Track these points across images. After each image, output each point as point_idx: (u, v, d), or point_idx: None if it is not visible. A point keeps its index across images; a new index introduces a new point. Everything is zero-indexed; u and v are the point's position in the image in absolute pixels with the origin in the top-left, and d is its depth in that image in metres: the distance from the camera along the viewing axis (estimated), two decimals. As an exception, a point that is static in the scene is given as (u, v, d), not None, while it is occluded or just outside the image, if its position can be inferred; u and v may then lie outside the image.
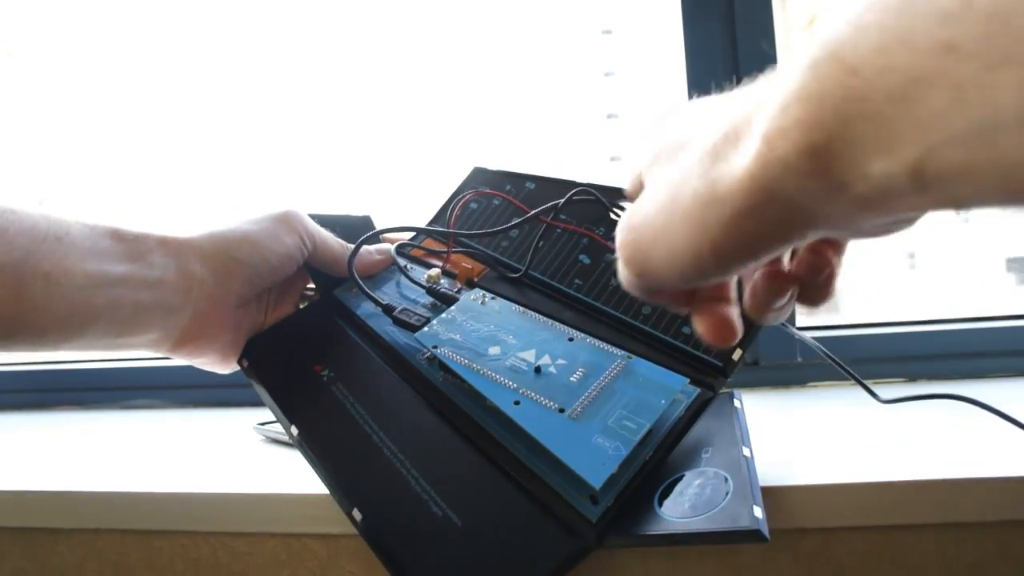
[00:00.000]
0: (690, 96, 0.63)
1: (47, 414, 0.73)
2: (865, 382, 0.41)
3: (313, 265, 0.44)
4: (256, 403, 0.67)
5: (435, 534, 0.29)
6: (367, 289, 0.42)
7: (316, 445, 0.35)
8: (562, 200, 0.42)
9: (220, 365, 0.43)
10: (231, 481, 0.42)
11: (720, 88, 0.21)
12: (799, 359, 0.58)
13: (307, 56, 0.87)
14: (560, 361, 0.34)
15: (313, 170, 0.87)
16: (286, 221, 0.41)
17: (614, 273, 0.38)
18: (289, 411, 0.38)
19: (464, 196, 0.48)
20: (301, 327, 0.44)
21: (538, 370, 0.34)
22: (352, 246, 0.43)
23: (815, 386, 0.57)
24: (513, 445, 0.32)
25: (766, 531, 0.24)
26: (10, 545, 0.43)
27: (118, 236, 0.36)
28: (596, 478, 0.28)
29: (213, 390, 0.70)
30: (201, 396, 0.71)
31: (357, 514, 0.31)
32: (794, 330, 0.42)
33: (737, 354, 0.33)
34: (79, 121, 0.93)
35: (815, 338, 0.40)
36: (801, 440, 0.42)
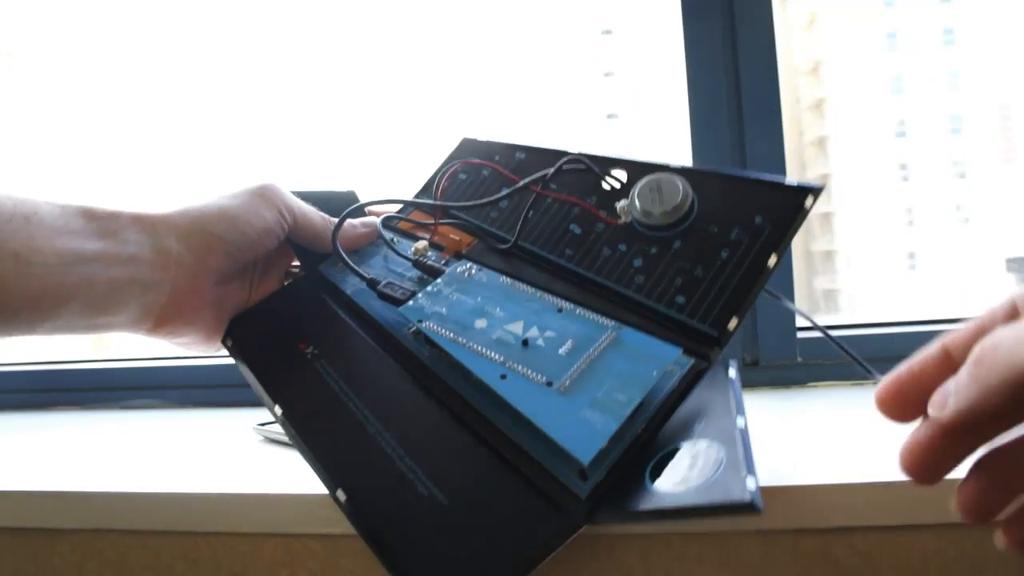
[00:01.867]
0: (690, 95, 0.63)
1: (47, 414, 0.73)
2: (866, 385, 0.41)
3: (295, 240, 0.43)
4: (256, 403, 0.67)
5: (421, 513, 0.29)
6: (351, 263, 0.41)
7: (299, 424, 0.35)
8: (552, 169, 0.42)
9: (204, 346, 0.42)
10: (231, 481, 0.42)
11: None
12: (799, 359, 0.58)
13: (317, 63, 0.87)
14: (548, 333, 0.34)
15: (308, 159, 0.87)
16: (263, 194, 0.41)
17: (605, 243, 0.38)
18: (272, 390, 0.38)
19: (452, 167, 0.47)
20: (286, 304, 0.43)
21: (525, 343, 0.33)
22: (336, 220, 0.43)
23: (815, 386, 0.57)
24: (501, 421, 0.32)
25: (760, 502, 0.23)
26: (10, 545, 0.43)
27: (90, 214, 0.36)
28: (585, 453, 0.28)
29: (213, 390, 0.70)
30: (201, 396, 0.71)
31: (341, 495, 0.31)
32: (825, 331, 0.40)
33: (733, 323, 0.32)
34: (79, 121, 0.93)
35: (814, 339, 0.40)
36: (801, 440, 0.42)
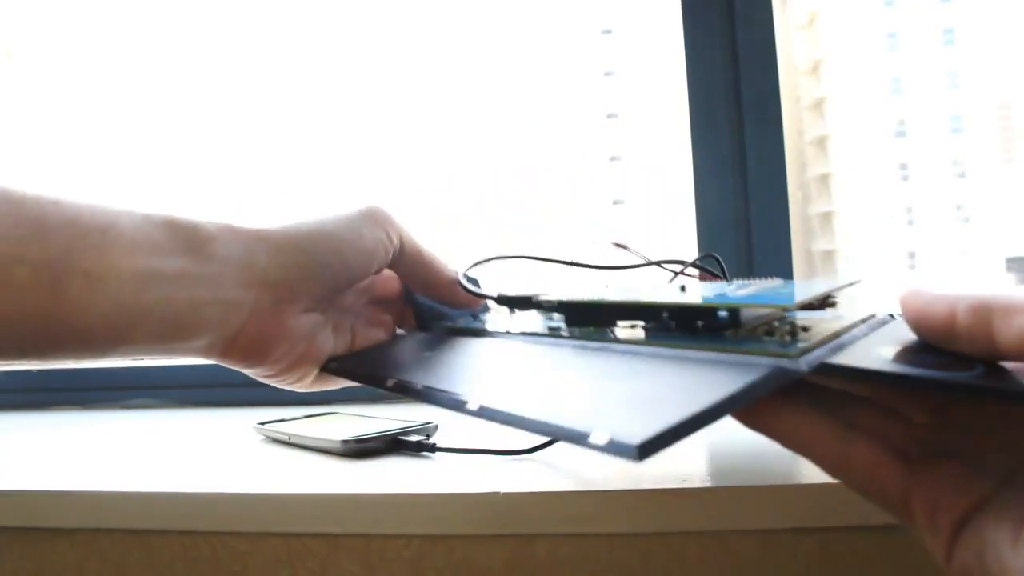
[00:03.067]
0: (690, 95, 0.63)
1: (47, 414, 0.73)
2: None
3: (400, 273, 0.40)
4: (256, 403, 0.67)
5: (592, 387, 0.24)
6: (474, 285, 0.38)
7: (415, 380, 0.31)
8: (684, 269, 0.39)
9: (287, 376, 0.37)
10: (231, 481, 0.42)
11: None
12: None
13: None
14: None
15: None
16: (371, 215, 0.37)
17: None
18: (382, 369, 0.34)
19: None
20: (395, 346, 0.40)
21: (683, 288, 0.31)
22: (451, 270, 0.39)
23: (815, 386, 0.57)
24: (674, 341, 0.26)
25: None
26: (10, 545, 0.43)
27: (173, 226, 0.33)
28: (787, 300, 0.24)
29: (213, 390, 0.70)
30: (201, 396, 0.71)
31: (474, 404, 0.26)
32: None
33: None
34: (80, 121, 0.93)
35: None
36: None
